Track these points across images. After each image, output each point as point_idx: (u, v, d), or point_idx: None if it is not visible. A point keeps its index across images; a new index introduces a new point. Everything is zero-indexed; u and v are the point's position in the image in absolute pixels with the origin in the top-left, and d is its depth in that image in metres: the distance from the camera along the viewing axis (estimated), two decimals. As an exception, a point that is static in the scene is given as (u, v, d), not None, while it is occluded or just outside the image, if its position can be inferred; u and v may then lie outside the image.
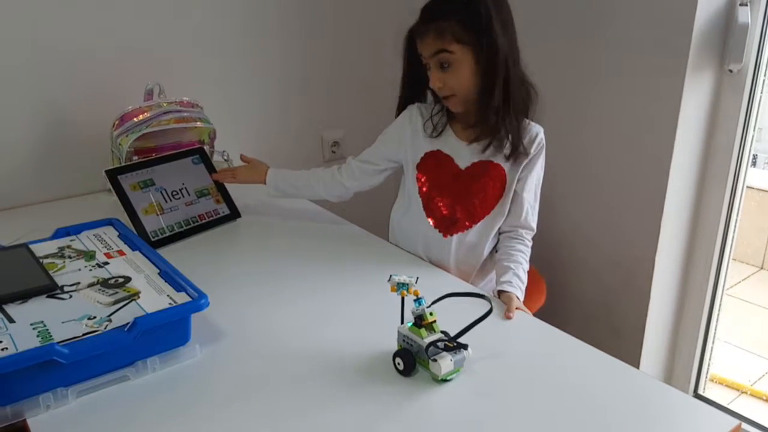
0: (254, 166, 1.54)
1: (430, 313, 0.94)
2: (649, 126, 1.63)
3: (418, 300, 0.94)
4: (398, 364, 0.95)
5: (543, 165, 1.35)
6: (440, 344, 0.93)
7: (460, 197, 1.35)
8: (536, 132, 1.32)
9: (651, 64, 1.58)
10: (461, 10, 1.20)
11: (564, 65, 1.76)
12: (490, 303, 0.97)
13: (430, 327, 0.94)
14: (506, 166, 1.32)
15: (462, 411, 0.88)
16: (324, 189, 1.48)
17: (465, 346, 0.94)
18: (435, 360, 0.91)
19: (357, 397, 0.91)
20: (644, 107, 1.63)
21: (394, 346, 0.98)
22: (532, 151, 1.32)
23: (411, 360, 0.94)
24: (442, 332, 0.95)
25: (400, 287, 0.94)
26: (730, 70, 1.59)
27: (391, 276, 0.95)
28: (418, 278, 0.96)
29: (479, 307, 0.97)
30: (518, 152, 1.30)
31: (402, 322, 0.97)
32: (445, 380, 0.93)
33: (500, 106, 1.25)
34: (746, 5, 1.52)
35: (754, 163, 1.63)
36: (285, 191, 1.50)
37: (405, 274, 0.95)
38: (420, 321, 0.94)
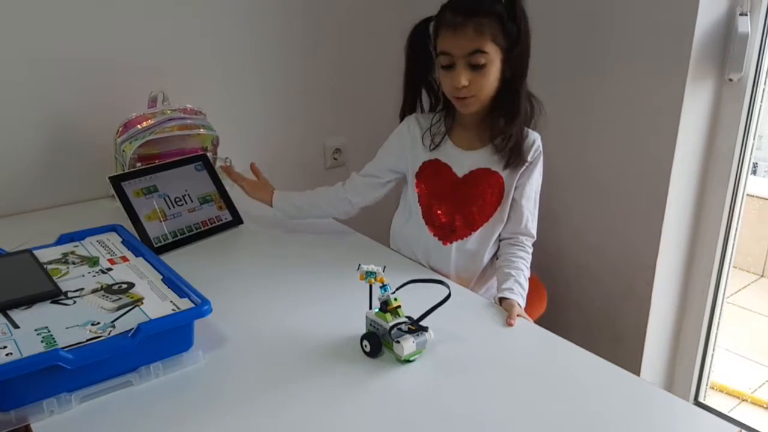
0: (263, 185, 1.53)
1: (395, 299, 1.01)
2: (649, 134, 1.63)
3: (383, 287, 1.01)
4: (365, 346, 1.01)
5: (541, 171, 1.36)
6: (404, 327, 1.00)
7: (458, 205, 1.36)
8: (533, 139, 1.33)
9: (652, 72, 1.59)
10: (503, 10, 1.19)
11: (565, 73, 1.77)
12: (449, 288, 1.03)
13: (395, 312, 1.01)
14: (504, 173, 1.33)
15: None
16: (330, 206, 1.48)
17: (426, 329, 1.00)
18: (398, 342, 0.97)
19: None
20: (645, 115, 1.64)
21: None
22: (529, 158, 1.32)
23: (377, 342, 1.00)
24: (406, 317, 1.01)
25: (369, 275, 1.02)
26: (730, 79, 1.60)
27: (359, 265, 1.02)
28: (385, 267, 1.03)
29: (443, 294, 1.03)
30: (515, 162, 1.31)
31: (370, 308, 1.04)
32: (408, 361, 0.99)
33: (513, 113, 1.26)
34: (746, 15, 1.53)
35: (754, 171, 1.63)
36: (291, 213, 1.50)
37: (373, 264, 1.03)
38: (385, 306, 1.01)
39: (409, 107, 1.39)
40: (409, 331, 0.99)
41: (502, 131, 1.29)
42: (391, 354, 1.00)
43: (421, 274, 1.33)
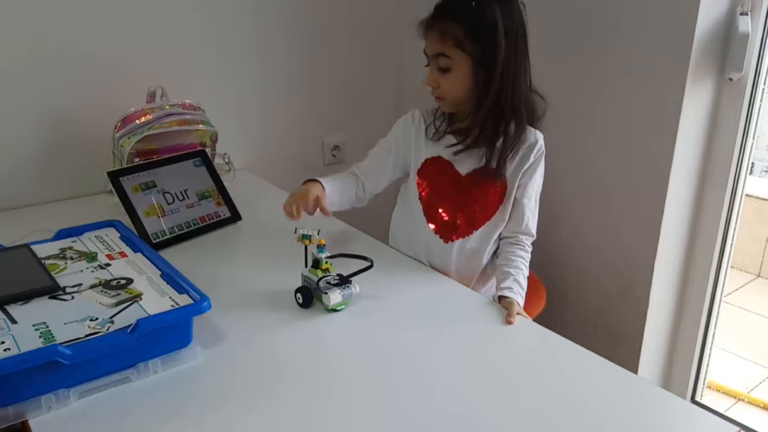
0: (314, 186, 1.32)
1: (326, 261, 1.15)
2: (649, 133, 1.63)
3: (321, 248, 1.15)
4: (298, 298, 1.15)
5: (543, 171, 1.36)
6: (332, 281, 1.13)
7: (460, 203, 1.36)
8: (536, 139, 1.33)
9: (652, 71, 1.59)
10: (468, 15, 1.20)
11: (565, 73, 1.77)
12: (371, 261, 1.18)
13: (327, 271, 1.15)
14: (506, 172, 1.32)
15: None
16: (349, 188, 1.39)
17: (351, 282, 1.14)
18: (326, 293, 1.10)
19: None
20: (645, 115, 1.64)
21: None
22: (532, 157, 1.32)
23: (309, 295, 1.14)
24: (336, 274, 1.15)
25: (304, 237, 1.15)
26: (730, 79, 1.59)
27: (296, 229, 1.16)
28: (320, 230, 1.17)
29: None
30: (498, 164, 1.30)
31: (306, 266, 1.16)
32: (335, 310, 1.13)
33: (491, 117, 1.26)
34: (747, 14, 1.52)
35: (751, 171, 1.63)
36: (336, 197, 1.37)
37: (308, 228, 1.16)
38: (317, 264, 1.14)
39: None
40: (337, 285, 1.12)
41: (465, 133, 1.31)
42: (321, 305, 1.13)
43: (422, 270, 1.33)
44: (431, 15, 1.25)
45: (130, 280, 1.06)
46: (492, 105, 1.25)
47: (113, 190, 1.40)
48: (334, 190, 1.34)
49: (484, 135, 1.28)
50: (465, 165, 1.34)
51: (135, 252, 1.18)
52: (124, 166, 1.53)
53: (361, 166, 1.43)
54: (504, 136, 1.28)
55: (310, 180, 1.32)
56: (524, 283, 1.27)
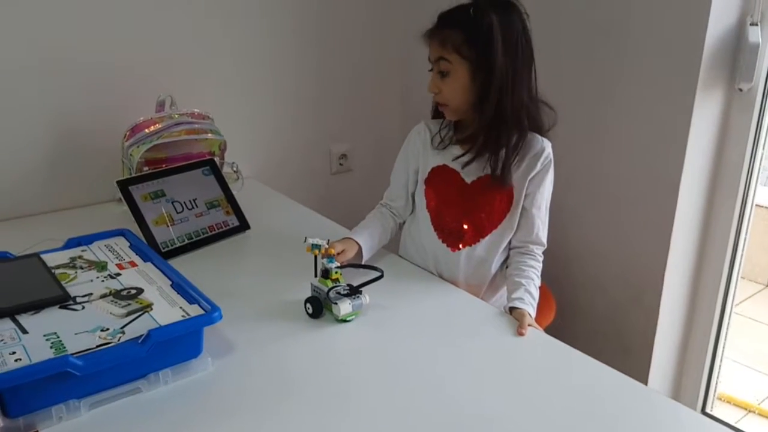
0: (350, 247, 1.34)
1: (336, 271, 1.15)
2: (659, 143, 1.63)
3: (330, 258, 1.16)
4: (308, 308, 1.15)
5: (552, 180, 1.35)
6: (342, 291, 1.13)
7: (467, 211, 1.35)
8: (542, 147, 1.32)
9: (662, 82, 1.59)
10: (466, 23, 1.23)
11: (575, 83, 1.77)
12: (381, 272, 1.19)
13: (337, 281, 1.15)
14: (513, 180, 1.32)
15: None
16: (382, 225, 1.43)
17: (361, 293, 1.14)
18: (336, 303, 1.11)
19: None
20: (655, 125, 1.63)
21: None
22: (539, 165, 1.32)
23: (318, 305, 1.14)
24: (347, 284, 1.15)
25: (314, 247, 1.16)
26: (741, 89, 1.59)
27: (306, 238, 1.17)
28: (329, 240, 1.19)
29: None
30: (503, 172, 1.29)
31: (316, 276, 1.17)
32: (345, 320, 1.13)
33: (493, 124, 1.26)
34: (757, 25, 1.52)
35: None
36: (374, 248, 1.41)
37: (318, 237, 1.17)
38: (326, 273, 1.15)
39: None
40: (347, 295, 1.12)
41: (470, 141, 1.31)
42: (331, 315, 1.13)
43: (431, 281, 1.33)
44: (434, 24, 1.29)
45: (140, 290, 1.06)
46: (494, 111, 1.25)
47: (122, 198, 1.41)
48: (374, 246, 1.39)
49: (488, 142, 1.28)
50: (470, 173, 1.34)
51: (145, 261, 1.18)
52: (134, 175, 1.53)
53: (388, 194, 1.47)
54: (506, 143, 1.28)
55: (350, 239, 1.34)
56: (536, 294, 1.27)
